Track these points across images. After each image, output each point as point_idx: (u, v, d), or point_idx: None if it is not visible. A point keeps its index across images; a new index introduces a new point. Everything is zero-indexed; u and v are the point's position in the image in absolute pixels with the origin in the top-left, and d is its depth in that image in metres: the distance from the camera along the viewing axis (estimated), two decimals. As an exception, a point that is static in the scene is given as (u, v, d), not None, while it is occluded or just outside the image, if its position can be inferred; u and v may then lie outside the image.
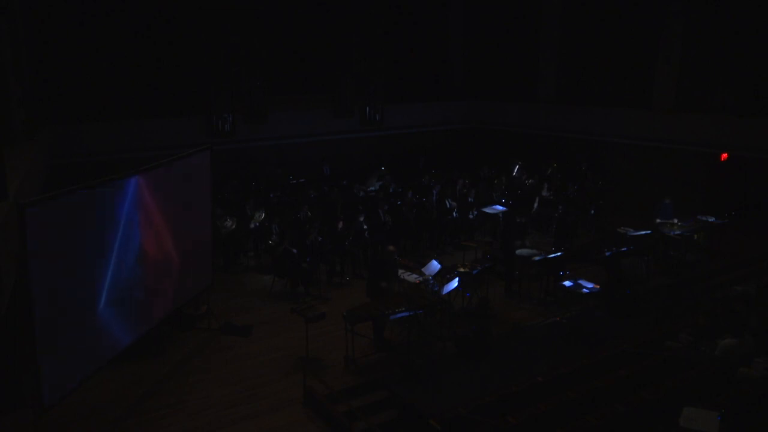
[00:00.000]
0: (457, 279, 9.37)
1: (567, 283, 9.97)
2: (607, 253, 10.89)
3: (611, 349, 8.04)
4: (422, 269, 9.80)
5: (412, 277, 9.64)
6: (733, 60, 14.55)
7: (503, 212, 13.31)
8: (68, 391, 6.64)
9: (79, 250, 6.60)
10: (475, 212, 13.78)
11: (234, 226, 12.24)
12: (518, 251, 10.91)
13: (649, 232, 12.16)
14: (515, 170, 16.51)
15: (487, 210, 13.57)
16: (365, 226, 12.11)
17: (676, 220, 12.49)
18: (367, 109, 17.80)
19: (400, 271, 9.86)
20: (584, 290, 9.74)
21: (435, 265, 9.72)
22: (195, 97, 15.35)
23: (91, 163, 13.52)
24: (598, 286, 9.83)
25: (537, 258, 10.64)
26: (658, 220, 12.59)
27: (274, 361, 8.68)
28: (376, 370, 8.31)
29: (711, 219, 12.72)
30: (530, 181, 15.87)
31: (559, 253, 10.71)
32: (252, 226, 12.52)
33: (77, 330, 6.67)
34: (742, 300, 8.62)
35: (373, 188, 15.36)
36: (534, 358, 8.36)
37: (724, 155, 14.60)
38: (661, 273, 11.84)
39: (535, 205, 14.46)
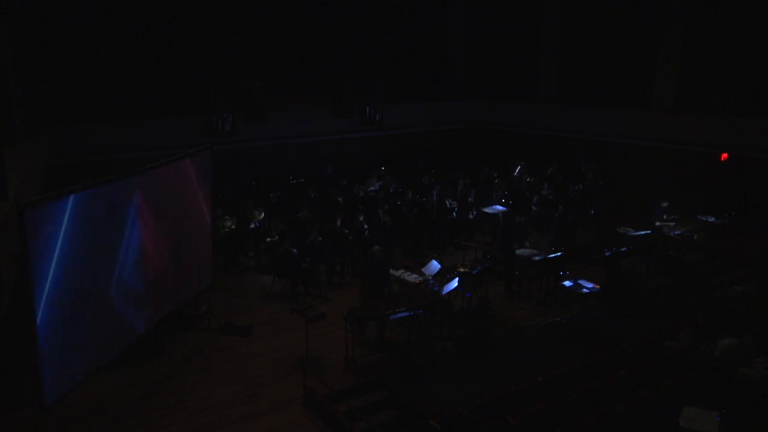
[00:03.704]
0: (457, 279, 9.37)
1: (567, 283, 9.97)
2: (607, 253, 10.89)
3: (611, 349, 8.04)
4: (422, 269, 9.80)
5: (412, 277, 9.64)
6: (733, 60, 14.55)
7: (503, 212, 13.32)
8: (68, 391, 6.64)
9: (78, 250, 6.59)
10: (475, 212, 13.79)
11: (234, 226, 12.24)
12: (518, 251, 10.91)
13: (649, 232, 12.17)
14: (516, 171, 16.52)
15: (487, 210, 13.58)
16: (365, 226, 12.12)
17: (672, 222, 12.51)
18: (367, 109, 17.80)
19: (401, 271, 9.86)
20: (584, 290, 9.74)
21: (435, 265, 9.72)
22: (195, 97, 15.35)
23: (91, 163, 13.52)
24: (598, 286, 9.84)
25: (537, 258, 10.65)
26: (657, 223, 12.62)
27: (274, 361, 8.68)
28: (376, 370, 8.31)
29: (711, 219, 12.73)
30: (530, 179, 15.88)
31: (559, 253, 10.72)
32: (252, 226, 12.52)
33: (77, 330, 6.67)
34: (742, 300, 8.64)
35: (373, 188, 15.36)
36: (534, 358, 8.36)
37: (724, 155, 14.60)
38: (661, 273, 11.83)
39: (534, 205, 14.45)
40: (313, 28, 17.05)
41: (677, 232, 12.07)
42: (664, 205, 12.96)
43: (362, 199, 14.32)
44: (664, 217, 12.66)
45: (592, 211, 14.53)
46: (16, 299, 6.42)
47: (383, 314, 8.39)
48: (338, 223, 11.92)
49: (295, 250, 10.85)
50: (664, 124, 15.49)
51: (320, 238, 11.43)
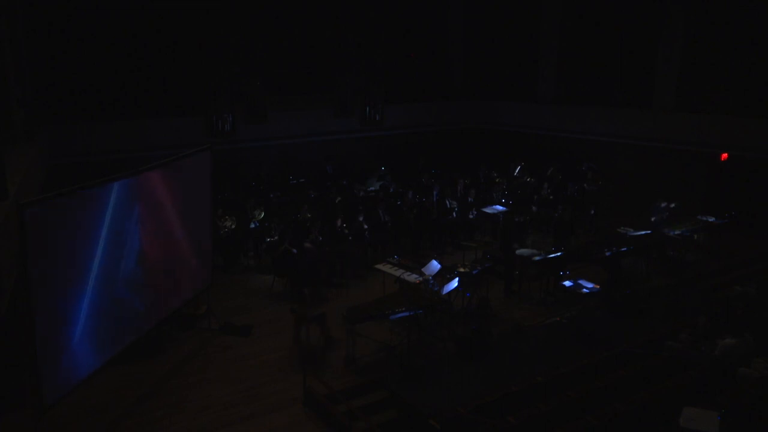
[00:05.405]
0: (457, 279, 9.37)
1: (567, 283, 9.96)
2: (607, 253, 10.89)
3: (611, 349, 8.04)
4: (422, 269, 9.80)
5: (412, 277, 9.64)
6: (733, 60, 14.55)
7: (503, 212, 13.31)
8: (68, 391, 6.64)
9: (78, 250, 6.60)
10: (475, 212, 13.79)
11: (234, 226, 12.24)
12: (518, 251, 10.91)
13: (649, 232, 12.17)
14: (516, 171, 16.52)
15: (487, 210, 13.57)
16: (365, 226, 12.12)
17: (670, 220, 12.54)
18: (367, 109, 17.80)
19: (401, 271, 9.85)
20: (584, 290, 9.73)
21: (435, 265, 9.71)
22: (195, 97, 15.34)
23: (91, 163, 13.51)
24: (598, 286, 9.83)
25: (537, 258, 10.64)
26: (653, 219, 12.63)
27: (274, 361, 8.69)
28: (376, 370, 8.32)
29: (711, 219, 12.73)
30: (530, 179, 15.88)
31: (559, 253, 10.72)
32: (252, 226, 12.52)
33: (77, 330, 6.67)
34: (742, 300, 8.63)
35: (373, 188, 15.36)
36: (534, 358, 8.36)
37: (724, 155, 14.60)
38: (661, 273, 11.83)
39: (534, 205, 14.44)
40: (313, 27, 17.04)
41: (677, 232, 12.07)
42: (664, 205, 12.97)
43: (362, 199, 14.31)
44: (664, 217, 12.67)
45: (592, 211, 14.52)
46: (16, 299, 6.43)
47: (383, 314, 8.39)
48: (338, 223, 11.91)
49: (295, 250, 10.85)
50: (664, 124, 15.49)
51: (320, 238, 11.43)
